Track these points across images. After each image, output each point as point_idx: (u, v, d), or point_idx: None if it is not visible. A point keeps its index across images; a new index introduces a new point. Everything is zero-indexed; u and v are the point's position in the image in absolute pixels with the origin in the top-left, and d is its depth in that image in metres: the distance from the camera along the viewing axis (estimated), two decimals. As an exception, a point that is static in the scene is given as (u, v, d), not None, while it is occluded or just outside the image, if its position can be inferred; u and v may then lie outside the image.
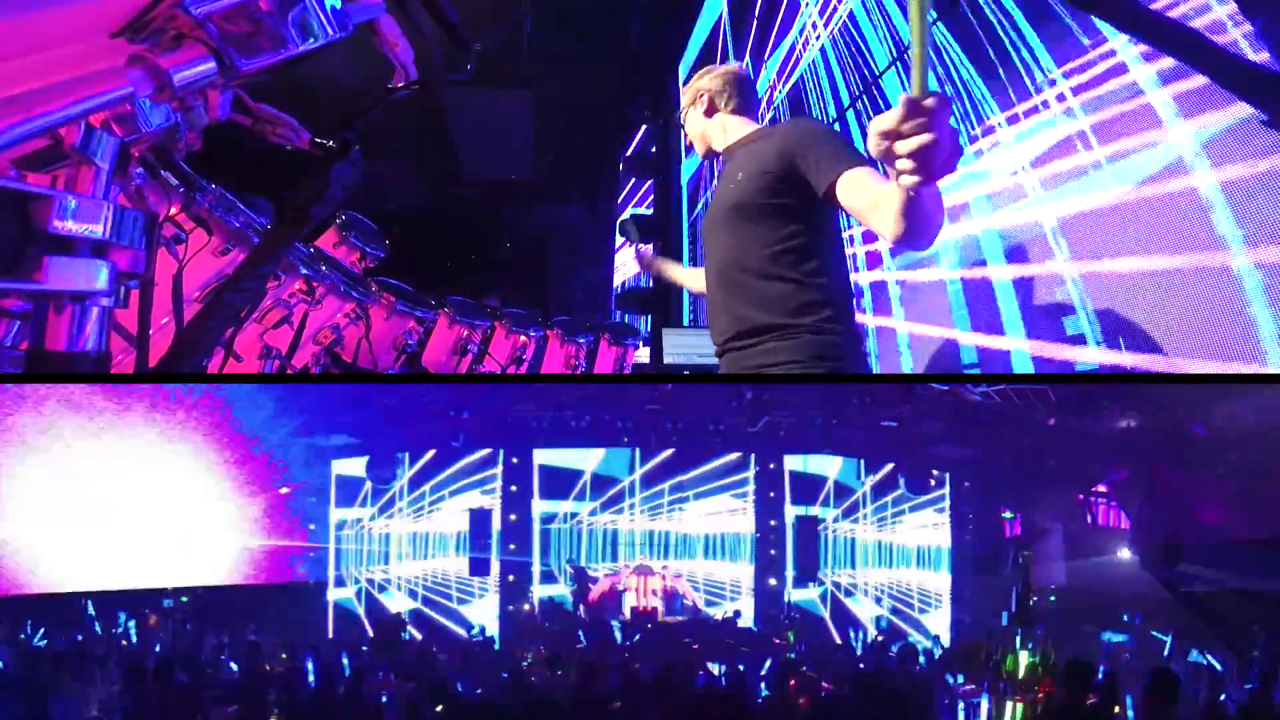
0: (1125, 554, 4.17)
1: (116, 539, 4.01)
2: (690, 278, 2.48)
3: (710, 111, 1.94)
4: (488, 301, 3.59)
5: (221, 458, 4.38)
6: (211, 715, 2.54)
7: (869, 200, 1.45)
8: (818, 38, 3.93)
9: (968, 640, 4.35)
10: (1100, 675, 2.53)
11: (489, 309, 3.66)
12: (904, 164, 0.98)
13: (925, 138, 0.95)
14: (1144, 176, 1.86)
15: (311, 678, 2.78)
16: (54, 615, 3.83)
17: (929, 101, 0.93)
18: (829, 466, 5.38)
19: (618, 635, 4.33)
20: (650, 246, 2.86)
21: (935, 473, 5.04)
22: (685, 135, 2.03)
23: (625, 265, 9.71)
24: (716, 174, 2.09)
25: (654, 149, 7.38)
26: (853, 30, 3.53)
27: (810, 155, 1.60)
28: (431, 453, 5.18)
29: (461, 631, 4.88)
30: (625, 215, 7.01)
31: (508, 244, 11.59)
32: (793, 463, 5.40)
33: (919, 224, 1.33)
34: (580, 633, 4.38)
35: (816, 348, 1.60)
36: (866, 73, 3.37)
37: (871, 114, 3.34)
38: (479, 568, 5.19)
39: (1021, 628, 3.87)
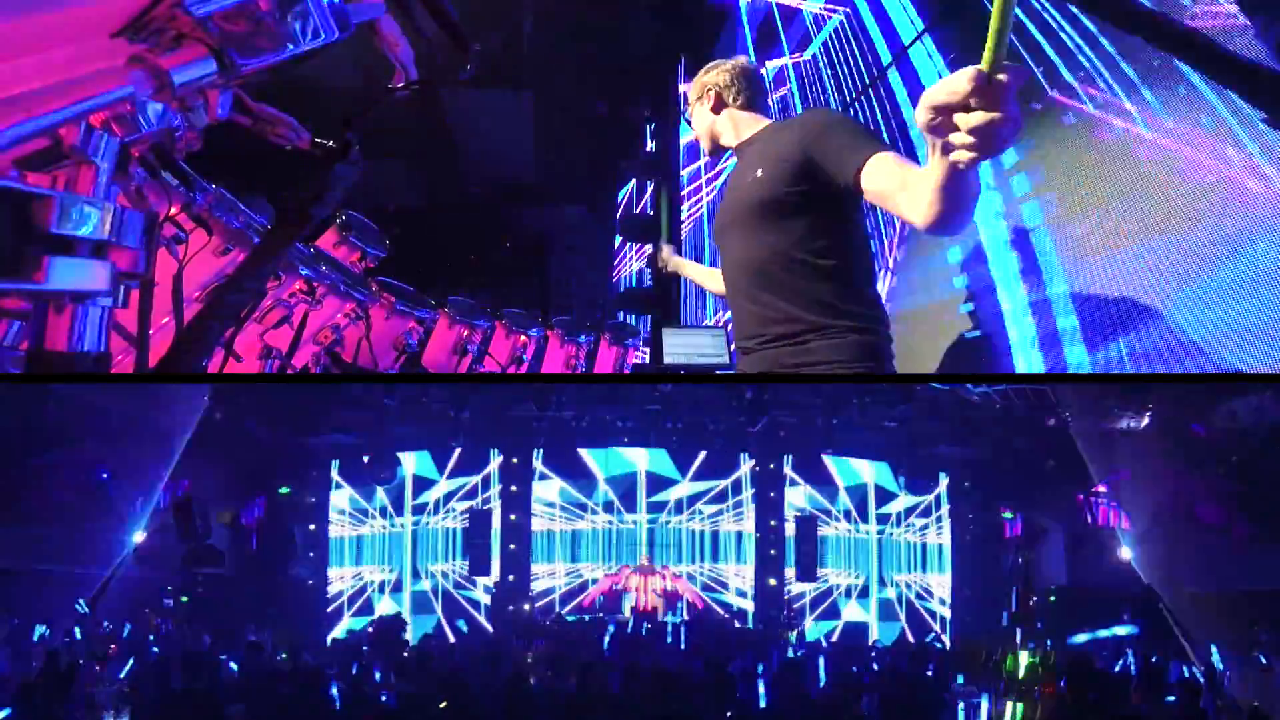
0: (1125, 553, 4.15)
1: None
2: (706, 276, 2.41)
3: (718, 107, 1.87)
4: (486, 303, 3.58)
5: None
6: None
7: (898, 184, 1.37)
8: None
9: (969, 640, 4.35)
10: (1098, 674, 2.52)
11: (488, 310, 3.65)
12: (961, 138, 0.90)
13: (994, 115, 0.85)
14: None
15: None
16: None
17: (1002, 76, 0.83)
18: (832, 466, 5.37)
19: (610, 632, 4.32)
20: (669, 246, 2.80)
21: (936, 472, 5.04)
22: (691, 131, 1.94)
23: (626, 265, 9.71)
24: (727, 172, 2.04)
25: (654, 149, 7.37)
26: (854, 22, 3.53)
27: (830, 144, 1.53)
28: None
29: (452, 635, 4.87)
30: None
31: (508, 244, 11.56)
32: (793, 462, 5.39)
33: (957, 205, 1.22)
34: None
35: (858, 349, 1.56)
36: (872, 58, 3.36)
37: (877, 105, 3.33)
38: (478, 567, 5.19)
39: (1021, 627, 3.87)
